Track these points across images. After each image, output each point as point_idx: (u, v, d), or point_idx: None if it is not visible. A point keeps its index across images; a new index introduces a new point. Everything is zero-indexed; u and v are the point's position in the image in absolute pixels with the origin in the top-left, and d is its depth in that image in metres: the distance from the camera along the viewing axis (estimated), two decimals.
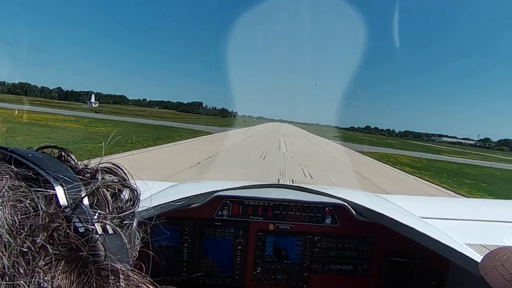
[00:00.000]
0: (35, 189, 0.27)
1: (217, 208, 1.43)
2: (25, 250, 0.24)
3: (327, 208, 1.44)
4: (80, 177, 0.32)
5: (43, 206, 0.26)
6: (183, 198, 1.28)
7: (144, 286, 0.30)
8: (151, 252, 0.39)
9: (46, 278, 0.25)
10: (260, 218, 1.44)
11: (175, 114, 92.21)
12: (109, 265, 0.28)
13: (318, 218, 1.44)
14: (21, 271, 0.24)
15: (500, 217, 1.63)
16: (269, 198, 1.44)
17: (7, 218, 0.24)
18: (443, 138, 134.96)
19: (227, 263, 1.46)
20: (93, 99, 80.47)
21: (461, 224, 1.48)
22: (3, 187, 0.26)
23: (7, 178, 0.27)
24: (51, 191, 0.28)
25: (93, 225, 0.28)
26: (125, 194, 0.35)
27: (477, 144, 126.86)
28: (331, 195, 1.47)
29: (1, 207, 0.25)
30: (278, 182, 7.18)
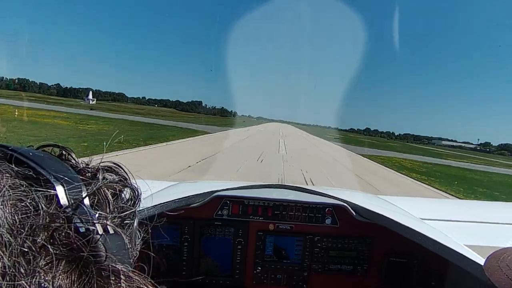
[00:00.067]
0: (35, 188, 0.27)
1: (217, 207, 1.43)
2: (26, 249, 0.24)
3: (327, 209, 1.45)
4: (81, 177, 0.31)
5: (43, 206, 0.26)
6: (183, 198, 1.27)
7: (145, 287, 0.30)
8: (151, 253, 0.38)
9: (47, 278, 0.25)
10: (260, 218, 1.45)
11: (174, 112, 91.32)
12: (110, 266, 0.28)
13: (318, 218, 1.45)
14: (22, 271, 0.24)
15: (499, 219, 1.62)
16: (269, 198, 1.44)
17: (8, 218, 0.24)
18: (443, 142, 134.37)
19: (227, 263, 1.46)
20: (90, 96, 78.96)
21: (461, 225, 1.50)
22: (4, 186, 0.26)
23: (8, 177, 0.27)
24: (52, 191, 0.28)
25: (94, 225, 0.28)
26: (126, 194, 0.34)
27: (477, 148, 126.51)
28: (331, 195, 1.48)
29: (2, 206, 0.25)
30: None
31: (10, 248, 0.23)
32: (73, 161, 0.34)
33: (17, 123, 17.08)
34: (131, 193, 0.35)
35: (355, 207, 1.40)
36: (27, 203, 0.26)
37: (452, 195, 12.06)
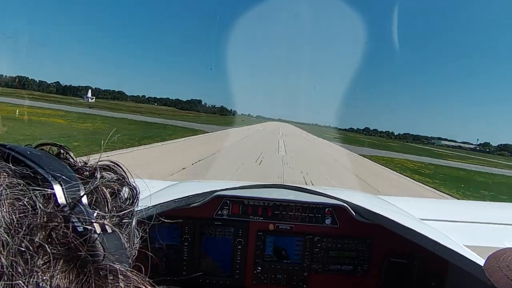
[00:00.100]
0: (33, 187, 0.27)
1: (217, 207, 1.43)
2: (23, 249, 0.24)
3: (327, 209, 1.44)
4: (79, 175, 0.31)
5: (41, 205, 0.26)
6: (183, 198, 1.27)
7: (143, 287, 0.30)
8: (149, 253, 0.38)
9: (44, 277, 0.25)
10: (260, 218, 1.44)
11: (173, 111, 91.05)
12: (108, 265, 0.28)
13: (318, 218, 1.45)
14: (19, 270, 0.23)
15: (499, 219, 1.62)
16: (269, 198, 1.44)
17: (5, 217, 0.24)
18: (443, 142, 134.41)
19: (227, 263, 1.46)
20: (89, 94, 78.53)
21: (461, 226, 1.49)
22: (1, 185, 0.26)
23: (5, 175, 0.27)
24: (50, 190, 0.27)
25: (92, 224, 0.28)
26: (124, 193, 0.34)
27: (477, 148, 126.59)
28: (330, 196, 1.48)
29: None
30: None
31: (8, 248, 0.23)
32: (71, 160, 0.34)
33: (11, 121, 16.70)
34: (130, 192, 0.35)
35: (355, 207, 1.40)
36: (25, 202, 0.26)
37: (461, 200, 11.75)
